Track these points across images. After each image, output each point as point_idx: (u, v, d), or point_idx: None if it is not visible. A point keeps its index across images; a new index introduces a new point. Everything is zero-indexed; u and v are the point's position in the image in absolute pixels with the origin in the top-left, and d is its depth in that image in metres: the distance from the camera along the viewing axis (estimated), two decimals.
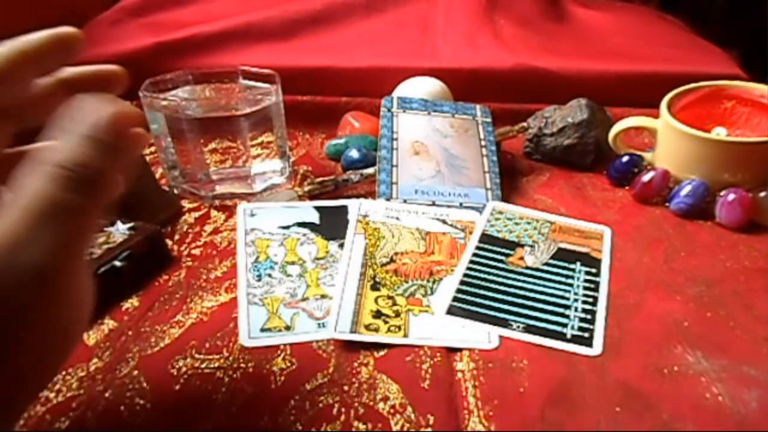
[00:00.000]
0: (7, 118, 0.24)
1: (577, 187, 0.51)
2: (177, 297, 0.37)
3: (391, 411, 0.29)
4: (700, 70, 0.61)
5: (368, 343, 0.33)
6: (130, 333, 0.34)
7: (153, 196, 0.46)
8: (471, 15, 0.72)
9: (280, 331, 0.34)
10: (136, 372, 0.31)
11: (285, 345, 0.33)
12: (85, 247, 0.22)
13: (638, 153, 0.51)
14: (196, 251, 0.42)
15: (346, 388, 0.30)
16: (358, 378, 0.31)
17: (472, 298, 0.36)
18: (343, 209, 0.45)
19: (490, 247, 0.41)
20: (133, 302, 0.37)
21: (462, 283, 0.38)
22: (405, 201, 0.46)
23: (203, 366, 0.32)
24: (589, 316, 0.35)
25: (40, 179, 0.19)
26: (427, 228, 0.43)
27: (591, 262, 0.40)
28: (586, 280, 0.38)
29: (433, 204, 0.46)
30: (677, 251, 0.42)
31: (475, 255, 0.40)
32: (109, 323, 0.35)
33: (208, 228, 0.45)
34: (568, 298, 0.37)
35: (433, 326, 0.34)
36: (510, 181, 0.51)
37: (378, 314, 0.35)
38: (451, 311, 0.35)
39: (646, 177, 0.47)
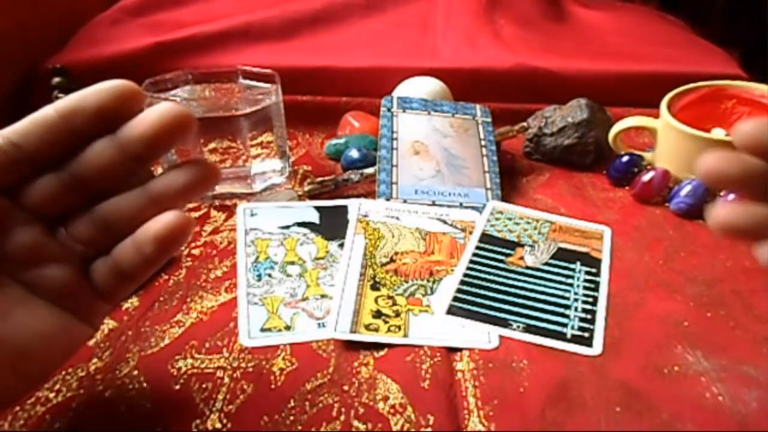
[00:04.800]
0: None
1: (577, 187, 0.51)
2: (177, 297, 0.37)
3: (391, 411, 0.29)
4: (700, 70, 0.61)
5: (368, 343, 0.33)
6: (130, 333, 0.34)
7: None
8: (471, 15, 0.72)
9: (280, 331, 0.34)
10: (136, 372, 0.31)
11: (285, 345, 0.33)
12: None
13: (638, 153, 0.51)
14: (196, 251, 0.42)
15: (346, 388, 0.30)
16: (358, 378, 0.31)
17: (472, 298, 0.36)
18: (343, 209, 0.45)
19: (490, 247, 0.41)
20: (133, 302, 0.37)
21: (462, 283, 0.38)
22: (405, 201, 0.46)
23: (203, 366, 0.32)
24: (589, 316, 0.35)
25: None
26: (427, 228, 0.43)
27: (591, 262, 0.40)
28: (586, 280, 0.38)
29: (433, 204, 0.46)
30: (677, 251, 0.42)
31: (475, 255, 0.40)
32: (109, 323, 0.35)
33: (208, 228, 0.45)
34: (568, 298, 0.37)
35: (433, 326, 0.34)
36: (510, 181, 0.51)
37: (378, 314, 0.35)
38: (451, 311, 0.35)
39: (646, 177, 0.47)
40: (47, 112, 0.22)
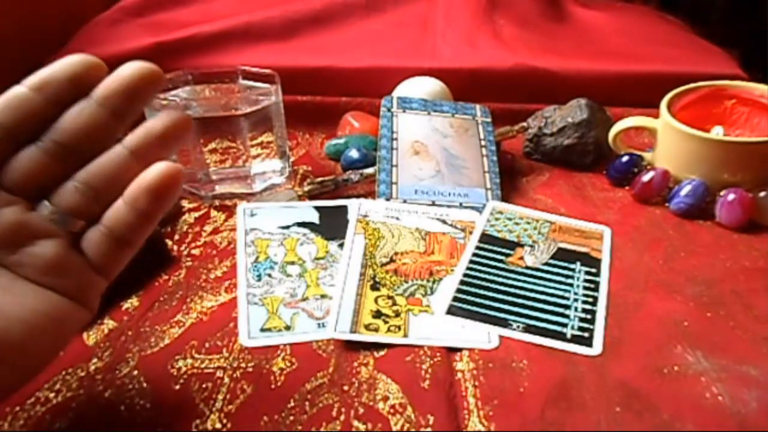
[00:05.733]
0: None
1: (577, 187, 0.51)
2: (177, 297, 0.37)
3: (391, 411, 0.29)
4: (700, 70, 0.61)
5: (368, 343, 0.33)
6: (130, 333, 0.34)
7: None
8: (471, 15, 0.72)
9: (280, 331, 0.34)
10: (136, 372, 0.31)
11: (285, 345, 0.33)
12: None
13: (638, 153, 0.51)
14: (196, 251, 0.42)
15: (346, 388, 0.30)
16: (358, 378, 0.31)
17: (472, 298, 0.36)
18: (343, 209, 0.45)
19: (490, 247, 0.41)
20: (133, 302, 0.37)
21: (462, 283, 0.38)
22: (405, 201, 0.46)
23: (203, 366, 0.32)
24: (589, 316, 0.35)
25: None
26: (427, 228, 0.43)
27: (591, 262, 0.40)
28: (586, 280, 0.38)
29: (433, 204, 0.46)
30: (677, 251, 0.42)
31: (475, 255, 0.40)
32: (109, 323, 0.35)
33: (208, 228, 0.45)
34: (568, 298, 0.37)
35: (433, 326, 0.34)
36: (510, 181, 0.51)
37: (378, 314, 0.35)
38: (451, 311, 0.35)
39: (646, 177, 0.47)
40: (18, 88, 0.22)
